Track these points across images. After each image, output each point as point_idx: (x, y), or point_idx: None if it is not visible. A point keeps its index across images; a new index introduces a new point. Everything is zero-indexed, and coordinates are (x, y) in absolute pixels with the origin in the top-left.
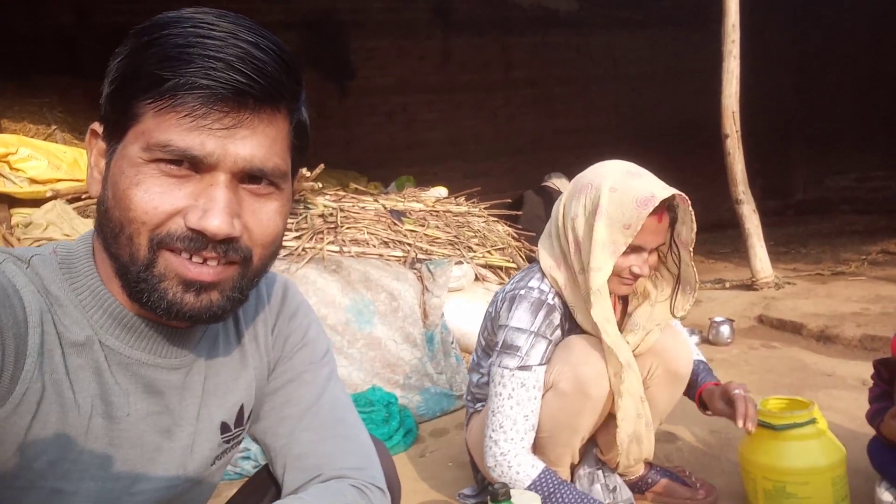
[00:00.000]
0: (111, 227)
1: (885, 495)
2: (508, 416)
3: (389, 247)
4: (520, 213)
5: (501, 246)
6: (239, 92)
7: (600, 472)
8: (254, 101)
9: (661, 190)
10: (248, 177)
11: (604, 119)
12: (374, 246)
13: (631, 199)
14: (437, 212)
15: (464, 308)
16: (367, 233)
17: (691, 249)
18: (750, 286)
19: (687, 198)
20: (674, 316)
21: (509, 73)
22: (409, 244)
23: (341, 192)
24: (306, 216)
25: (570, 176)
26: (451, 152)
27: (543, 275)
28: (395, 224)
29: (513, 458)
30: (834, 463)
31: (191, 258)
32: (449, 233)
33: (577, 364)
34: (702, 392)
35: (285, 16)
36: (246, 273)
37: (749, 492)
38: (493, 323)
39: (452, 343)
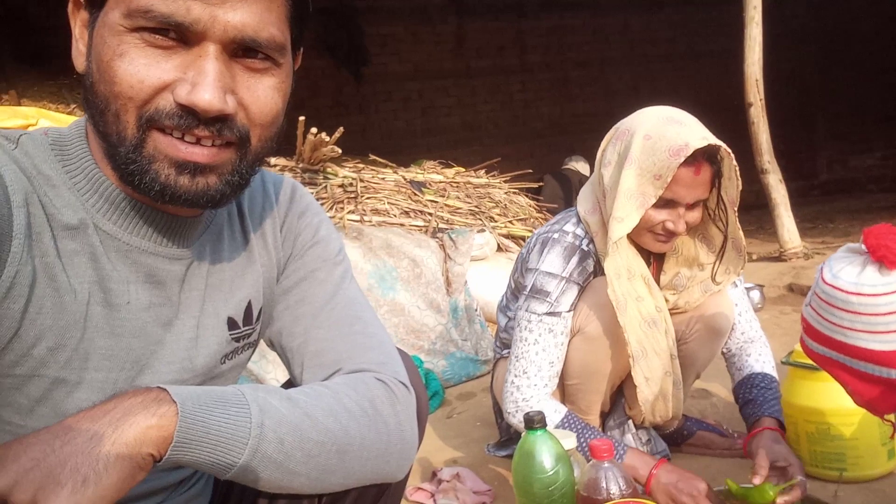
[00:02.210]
0: (97, 104)
1: None
2: (533, 361)
3: (410, 216)
4: (539, 196)
5: (524, 216)
6: None
7: (630, 422)
8: None
9: (698, 139)
10: (242, 49)
11: (623, 101)
12: (395, 216)
13: (664, 147)
14: (458, 183)
15: (487, 276)
16: (388, 203)
17: (736, 209)
18: (778, 258)
19: (730, 151)
20: (714, 281)
21: (525, 57)
22: (430, 213)
23: (360, 164)
24: (326, 186)
25: (589, 159)
26: (468, 137)
27: (580, 220)
28: (416, 194)
29: (535, 403)
30: None
31: (182, 137)
32: (470, 203)
33: (604, 309)
34: (754, 433)
35: None
36: (245, 155)
37: (790, 437)
38: (523, 265)
39: (476, 311)
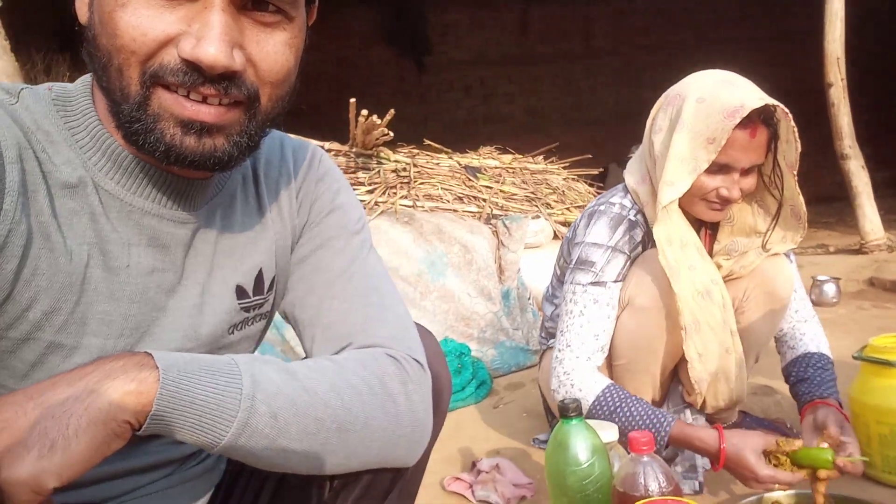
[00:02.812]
0: (99, 58)
1: None
2: (578, 333)
3: (464, 202)
4: (602, 185)
5: (581, 203)
6: None
7: (687, 411)
8: None
9: (754, 100)
10: (252, 1)
11: None
12: (448, 201)
13: (718, 109)
14: (514, 169)
15: (541, 264)
16: (441, 188)
17: (796, 173)
18: (858, 250)
19: (788, 112)
20: (764, 249)
21: (590, 43)
22: (484, 199)
23: (415, 150)
24: (379, 170)
25: None
26: (531, 125)
27: (628, 191)
28: (470, 180)
29: (576, 376)
30: None
31: (188, 95)
32: (526, 189)
33: (656, 278)
34: (815, 403)
35: None
36: (254, 115)
37: (861, 439)
38: (569, 244)
39: (529, 299)
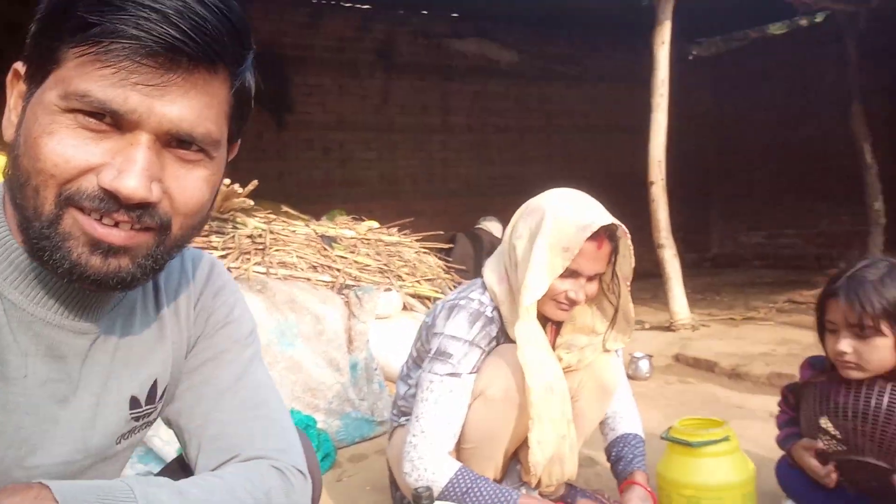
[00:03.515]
0: (18, 177)
1: None
2: (432, 421)
3: (318, 271)
4: (450, 255)
5: (431, 277)
6: (172, 48)
7: (523, 488)
8: (188, 59)
9: (602, 217)
10: (177, 141)
11: (537, 168)
12: (303, 269)
13: (573, 223)
14: (369, 240)
15: (390, 335)
16: (296, 256)
17: (629, 285)
18: (668, 327)
19: (627, 231)
20: (605, 349)
21: (448, 118)
22: (339, 269)
23: (272, 215)
24: (234, 235)
25: (502, 220)
26: (386, 191)
27: (485, 289)
28: (325, 249)
29: (429, 460)
30: (746, 479)
31: (101, 219)
32: (379, 261)
33: (507, 372)
34: (628, 483)
35: None
36: (163, 241)
37: None
38: (428, 332)
39: (376, 370)
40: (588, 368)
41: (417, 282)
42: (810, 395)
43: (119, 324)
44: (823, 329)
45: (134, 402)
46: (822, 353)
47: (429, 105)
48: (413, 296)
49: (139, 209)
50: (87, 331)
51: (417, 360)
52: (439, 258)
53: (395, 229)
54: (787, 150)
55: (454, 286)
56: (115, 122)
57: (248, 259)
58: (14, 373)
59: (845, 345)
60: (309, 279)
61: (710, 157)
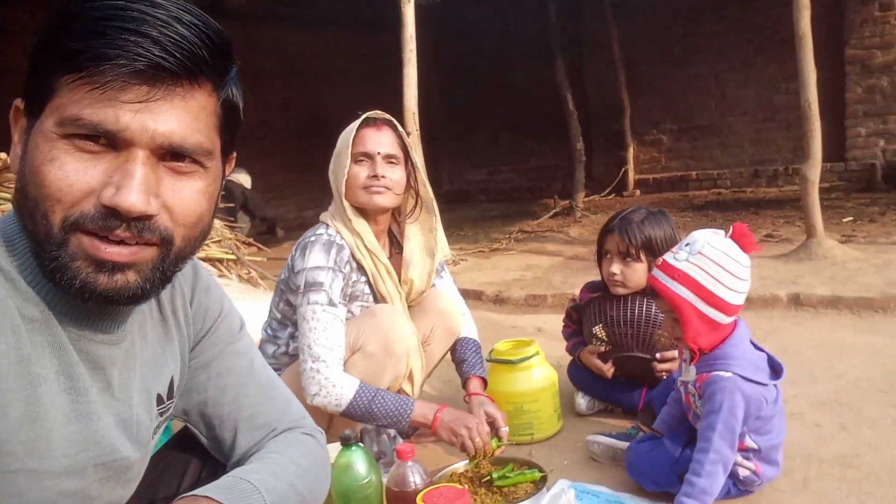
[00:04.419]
0: (27, 205)
1: (581, 400)
2: (325, 345)
3: None
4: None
5: (218, 238)
6: (154, 65)
7: None
8: (170, 75)
9: (369, 112)
10: (171, 154)
11: (275, 114)
12: None
13: (351, 127)
14: None
15: None
16: None
17: (422, 173)
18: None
19: (397, 122)
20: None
21: None
22: None
23: None
24: None
25: (248, 169)
26: None
27: (328, 225)
28: None
29: (336, 378)
30: (553, 381)
31: (105, 238)
32: None
33: (383, 328)
34: (470, 393)
35: None
36: (167, 254)
37: None
38: (290, 274)
39: None
40: (439, 316)
41: (206, 245)
42: (589, 311)
43: (136, 330)
44: (601, 257)
45: (159, 399)
46: (576, 278)
47: None
48: (205, 259)
49: (139, 223)
50: (116, 341)
51: (282, 321)
52: (220, 218)
53: None
54: (502, 94)
55: (239, 245)
56: (109, 141)
57: None
58: (83, 385)
59: (616, 268)
60: None
61: (435, 101)
